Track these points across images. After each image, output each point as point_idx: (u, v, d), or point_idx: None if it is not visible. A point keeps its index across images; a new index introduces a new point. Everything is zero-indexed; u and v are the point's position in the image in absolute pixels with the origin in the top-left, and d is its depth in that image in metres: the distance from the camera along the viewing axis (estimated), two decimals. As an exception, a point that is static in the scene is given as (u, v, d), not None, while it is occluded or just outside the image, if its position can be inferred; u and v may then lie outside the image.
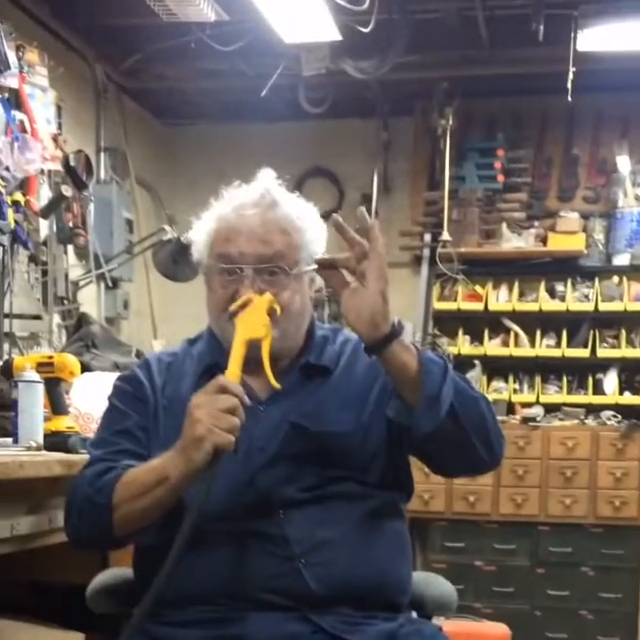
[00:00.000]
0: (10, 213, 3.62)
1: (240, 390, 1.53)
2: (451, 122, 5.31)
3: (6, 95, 3.68)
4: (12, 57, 3.64)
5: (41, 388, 2.39)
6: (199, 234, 1.76)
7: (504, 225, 5.43)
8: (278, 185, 1.74)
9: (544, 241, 5.44)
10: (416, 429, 1.59)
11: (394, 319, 1.60)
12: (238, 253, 1.69)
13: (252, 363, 1.70)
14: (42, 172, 3.94)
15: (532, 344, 5.36)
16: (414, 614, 1.84)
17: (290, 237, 1.71)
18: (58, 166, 4.07)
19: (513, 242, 5.41)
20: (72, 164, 4.20)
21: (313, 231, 1.75)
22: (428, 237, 5.55)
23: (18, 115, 3.74)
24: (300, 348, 1.78)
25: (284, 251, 1.70)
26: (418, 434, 1.59)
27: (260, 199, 1.71)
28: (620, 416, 5.12)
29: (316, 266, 1.66)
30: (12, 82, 3.68)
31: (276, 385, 1.62)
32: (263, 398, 1.72)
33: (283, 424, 1.69)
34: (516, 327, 5.40)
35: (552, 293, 5.41)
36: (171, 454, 1.56)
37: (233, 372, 1.57)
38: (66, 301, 4.52)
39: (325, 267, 1.61)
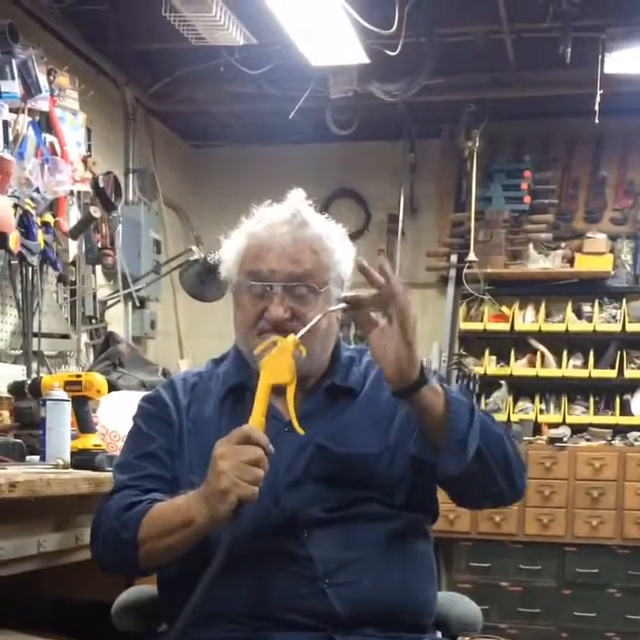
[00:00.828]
0: (39, 234, 3.66)
1: (265, 440, 1.52)
2: (477, 144, 5.33)
3: (37, 118, 3.72)
4: (43, 81, 3.69)
5: (68, 406, 2.41)
6: (228, 252, 1.77)
7: (531, 246, 5.43)
8: (308, 205, 1.75)
9: (571, 262, 5.43)
10: (441, 470, 1.59)
11: (422, 361, 1.58)
12: (268, 271, 1.69)
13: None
14: (71, 193, 3.97)
15: (559, 364, 5.35)
16: (439, 634, 1.84)
17: (319, 257, 1.71)
18: (87, 188, 4.11)
19: (540, 263, 5.40)
20: (101, 185, 4.24)
21: (341, 252, 1.75)
22: (454, 258, 5.56)
23: (48, 137, 3.78)
24: (326, 369, 1.78)
25: (314, 270, 1.70)
26: (443, 474, 1.59)
27: (290, 218, 1.72)
28: (647, 437, 5.10)
29: (343, 298, 1.63)
30: (43, 105, 3.73)
31: (301, 431, 1.59)
32: (288, 419, 1.70)
33: (308, 445, 1.69)
34: (542, 347, 5.38)
35: (579, 314, 5.39)
36: (195, 499, 1.56)
37: (257, 420, 1.55)
38: (94, 321, 4.56)
39: (352, 304, 1.60)
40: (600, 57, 4.49)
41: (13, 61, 3.52)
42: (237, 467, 1.49)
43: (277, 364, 1.57)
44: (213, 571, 1.51)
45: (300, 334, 1.60)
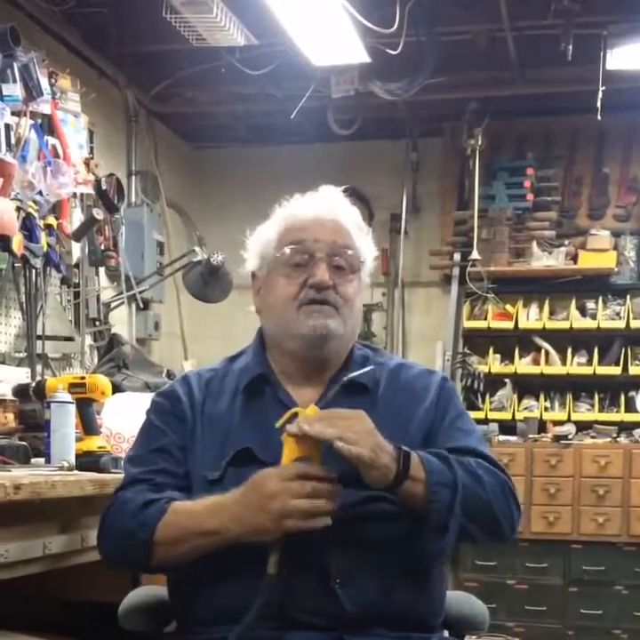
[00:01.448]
0: (43, 237, 3.66)
1: (318, 472, 1.54)
2: (480, 142, 5.33)
3: (39, 121, 3.73)
4: (44, 83, 3.69)
5: (73, 408, 2.41)
6: (259, 240, 1.80)
7: (534, 243, 5.42)
8: (344, 199, 1.80)
9: (574, 259, 5.43)
10: (424, 541, 1.64)
11: (398, 451, 1.58)
12: (313, 239, 1.73)
13: (296, 378, 1.75)
14: (74, 195, 3.98)
15: (564, 362, 5.34)
16: (446, 633, 1.84)
17: (354, 238, 1.77)
18: (90, 190, 4.11)
19: (543, 260, 5.40)
20: (104, 187, 4.25)
21: (371, 246, 1.82)
22: (457, 256, 5.56)
23: (50, 140, 3.78)
24: (342, 364, 1.79)
25: (352, 246, 1.76)
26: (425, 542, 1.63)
27: (326, 199, 1.78)
28: (652, 433, 5.09)
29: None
30: (44, 108, 3.74)
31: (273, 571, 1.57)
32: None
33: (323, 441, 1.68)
34: (546, 345, 5.38)
35: (583, 311, 5.39)
36: (221, 515, 1.57)
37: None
38: (97, 323, 4.56)
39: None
40: (602, 54, 4.49)
41: (15, 64, 3.52)
42: (287, 507, 1.51)
43: (300, 438, 1.55)
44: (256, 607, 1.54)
45: (320, 405, 1.61)
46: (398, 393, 1.77)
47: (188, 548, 1.62)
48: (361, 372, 1.71)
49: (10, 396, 2.98)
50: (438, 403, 1.77)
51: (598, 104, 4.59)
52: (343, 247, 1.74)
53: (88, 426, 2.51)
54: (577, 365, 5.33)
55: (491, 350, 5.46)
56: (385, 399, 1.76)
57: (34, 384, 2.73)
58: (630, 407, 5.24)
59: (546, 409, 5.36)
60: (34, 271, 3.81)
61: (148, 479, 1.72)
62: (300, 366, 1.76)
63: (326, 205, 1.76)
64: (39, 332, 3.89)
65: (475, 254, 5.36)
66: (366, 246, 1.80)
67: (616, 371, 5.25)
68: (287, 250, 1.73)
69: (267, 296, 1.77)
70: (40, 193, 3.63)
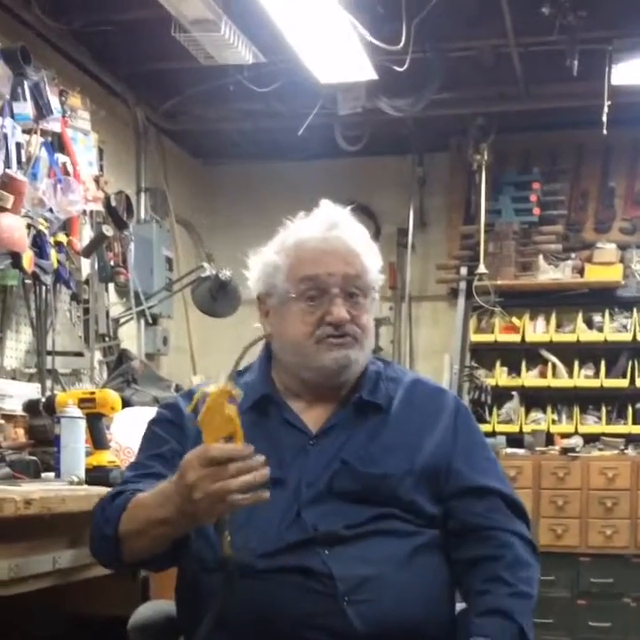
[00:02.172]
0: (53, 253, 3.70)
1: (229, 451, 1.47)
2: (486, 157, 5.36)
3: (50, 139, 3.77)
4: (55, 102, 3.74)
5: (83, 423, 2.43)
6: (265, 265, 1.74)
7: (540, 257, 5.44)
8: (344, 212, 1.77)
9: (581, 272, 5.44)
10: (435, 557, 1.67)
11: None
12: (326, 274, 1.68)
13: (305, 397, 1.75)
14: (84, 212, 4.02)
15: (571, 375, 5.36)
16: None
17: (365, 260, 1.73)
18: (99, 207, 4.15)
19: (550, 274, 5.42)
20: (113, 204, 4.29)
21: (377, 262, 1.78)
22: (464, 270, 5.58)
23: (61, 157, 3.82)
24: (354, 383, 1.77)
25: (363, 273, 1.72)
26: None
27: (332, 224, 1.72)
28: (660, 446, 5.10)
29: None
30: (55, 126, 3.78)
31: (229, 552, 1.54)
32: (314, 433, 1.72)
33: (333, 461, 1.68)
34: (553, 358, 5.39)
35: (590, 324, 5.40)
36: (167, 503, 1.54)
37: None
38: (107, 338, 4.59)
39: None
40: (607, 69, 4.53)
41: (26, 83, 3.58)
42: (212, 492, 1.46)
43: (213, 419, 1.48)
44: (216, 603, 1.55)
45: (226, 380, 1.51)
46: (412, 411, 1.76)
47: (149, 539, 1.61)
48: (370, 397, 1.73)
49: (20, 412, 3.01)
50: (456, 429, 1.76)
51: (604, 118, 4.62)
52: (356, 276, 1.70)
53: (98, 440, 2.53)
54: (584, 378, 5.34)
55: (498, 363, 5.48)
56: (398, 417, 1.75)
57: (44, 399, 2.76)
58: (638, 419, 5.25)
59: (553, 421, 5.37)
60: (44, 287, 3.85)
61: (137, 481, 1.71)
62: (313, 390, 1.75)
63: (335, 231, 1.71)
64: (49, 348, 3.92)
65: (481, 268, 5.38)
66: (375, 263, 1.76)
67: (623, 383, 5.25)
68: (301, 286, 1.69)
69: (280, 326, 1.73)
70: (50, 210, 3.67)
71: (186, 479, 1.48)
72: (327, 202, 1.78)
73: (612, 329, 5.33)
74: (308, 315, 1.69)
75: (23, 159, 3.52)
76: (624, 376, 5.27)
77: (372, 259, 1.75)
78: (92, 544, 1.74)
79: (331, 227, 1.72)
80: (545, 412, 5.41)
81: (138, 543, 1.63)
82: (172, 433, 1.78)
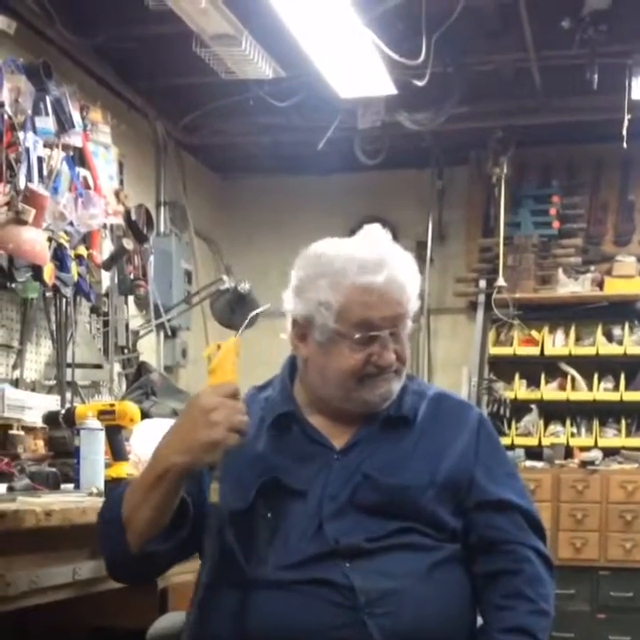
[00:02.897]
0: (73, 266, 3.73)
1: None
2: (505, 170, 5.35)
3: (71, 153, 3.80)
4: (76, 116, 3.77)
5: (102, 435, 2.45)
6: (308, 292, 1.71)
7: (560, 270, 5.43)
8: (388, 238, 1.75)
9: (600, 285, 5.43)
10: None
11: None
12: (380, 319, 1.69)
13: (327, 413, 1.75)
14: (104, 226, 4.04)
15: (590, 388, 5.33)
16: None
17: (411, 294, 1.73)
18: (120, 220, 4.17)
19: (569, 287, 5.40)
20: (133, 217, 4.32)
21: (418, 285, 1.77)
22: (483, 283, 5.58)
23: (82, 171, 3.85)
24: None
25: (409, 309, 1.73)
26: None
27: (385, 260, 1.69)
28: (680, 460, 5.07)
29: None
30: (76, 140, 3.81)
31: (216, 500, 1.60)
32: (338, 448, 1.73)
33: (356, 474, 1.69)
34: (573, 371, 5.37)
35: (609, 337, 5.38)
36: (166, 450, 1.57)
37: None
38: (126, 350, 4.61)
39: None
40: (627, 82, 4.52)
41: (47, 98, 3.61)
42: (231, 419, 1.51)
43: (225, 366, 1.60)
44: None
45: (239, 334, 1.67)
46: (435, 424, 1.77)
47: (149, 507, 1.59)
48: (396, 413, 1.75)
49: (40, 424, 3.03)
50: (478, 444, 1.77)
51: (623, 132, 4.61)
52: (403, 316, 1.72)
53: (117, 452, 2.54)
54: (603, 391, 5.32)
55: (516, 376, 5.46)
56: (421, 430, 1.76)
57: (64, 411, 2.77)
58: (658, 433, 5.22)
59: (572, 434, 5.34)
60: (64, 300, 3.88)
61: None
62: (341, 412, 1.75)
63: (388, 271, 1.68)
64: (69, 360, 3.95)
65: (500, 281, 5.38)
66: (416, 285, 1.75)
67: (643, 397, 5.23)
68: (353, 330, 1.68)
69: (322, 358, 1.72)
70: (71, 224, 3.70)
71: (203, 401, 1.53)
72: (375, 227, 1.76)
73: (632, 342, 5.31)
74: (355, 354, 1.70)
75: (45, 173, 3.55)
76: (644, 389, 5.24)
77: (416, 288, 1.75)
78: (100, 543, 1.72)
79: (381, 263, 1.69)
80: (564, 425, 5.38)
81: (140, 516, 1.60)
82: None
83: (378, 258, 1.69)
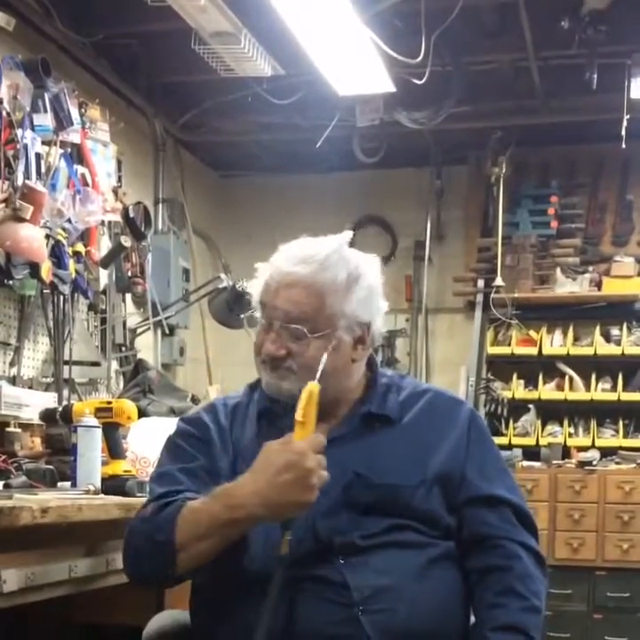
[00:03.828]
0: (71, 264, 3.72)
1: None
2: (504, 170, 5.36)
3: (69, 150, 3.79)
4: (74, 113, 3.76)
5: (99, 432, 2.44)
6: (258, 277, 1.79)
7: (558, 270, 5.43)
8: (343, 247, 1.75)
9: (599, 286, 5.43)
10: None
11: None
12: (271, 306, 1.72)
13: None
14: (102, 223, 4.03)
15: (588, 388, 5.34)
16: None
17: (326, 302, 1.70)
18: (117, 218, 4.16)
19: (567, 287, 5.41)
20: (131, 215, 4.30)
21: (366, 296, 1.74)
22: (481, 283, 5.58)
23: (80, 169, 3.84)
24: (362, 396, 1.79)
25: (313, 314, 1.70)
26: None
27: (309, 257, 1.71)
28: (677, 460, 5.07)
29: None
30: (74, 137, 3.80)
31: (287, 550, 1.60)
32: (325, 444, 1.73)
33: (346, 472, 1.69)
34: (570, 371, 5.38)
35: (607, 337, 5.39)
36: (252, 497, 1.56)
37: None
38: (123, 348, 4.60)
39: None
40: (626, 82, 4.53)
41: (46, 95, 3.60)
42: (323, 480, 1.54)
43: (312, 413, 1.61)
44: (274, 589, 1.56)
45: (317, 379, 1.64)
46: (426, 421, 1.77)
47: (215, 542, 1.60)
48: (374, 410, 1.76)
49: (37, 421, 3.03)
50: (469, 439, 1.77)
51: (622, 132, 4.61)
52: (297, 318, 1.70)
53: (114, 450, 2.54)
54: (601, 391, 5.32)
55: (514, 376, 5.46)
56: (412, 427, 1.76)
57: (61, 408, 2.77)
58: (655, 434, 5.22)
59: (570, 435, 5.34)
60: (62, 297, 3.87)
61: (173, 495, 1.70)
62: None
63: (300, 266, 1.71)
64: (66, 358, 3.94)
65: (499, 281, 5.38)
66: (352, 302, 1.72)
67: (641, 397, 5.23)
68: (257, 311, 1.77)
69: None
70: (69, 220, 3.69)
71: (306, 464, 1.53)
72: (344, 234, 1.77)
73: (630, 342, 5.31)
74: (259, 335, 1.75)
75: (43, 170, 3.54)
76: (641, 390, 5.24)
77: (341, 299, 1.71)
78: (137, 555, 1.70)
79: (303, 260, 1.71)
80: (562, 425, 5.38)
81: (200, 547, 1.61)
82: (200, 449, 1.78)
83: (303, 251, 1.73)
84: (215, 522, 1.58)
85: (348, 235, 1.78)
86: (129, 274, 4.45)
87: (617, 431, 5.29)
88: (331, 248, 1.73)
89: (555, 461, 5.18)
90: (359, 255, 1.77)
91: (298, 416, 1.59)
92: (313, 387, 1.61)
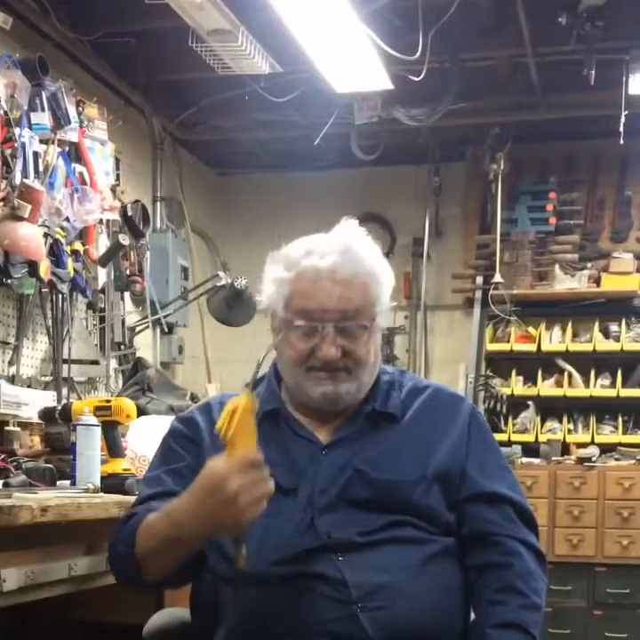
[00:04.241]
0: (69, 262, 3.73)
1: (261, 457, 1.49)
2: (502, 166, 5.35)
3: (67, 148, 3.80)
4: (72, 112, 3.77)
5: (98, 431, 2.44)
6: (272, 282, 1.71)
7: (557, 267, 5.43)
8: (359, 235, 1.72)
9: (597, 282, 5.43)
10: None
11: None
12: (320, 310, 1.66)
13: (309, 410, 1.74)
14: (100, 221, 4.03)
15: (587, 384, 5.34)
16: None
17: (369, 292, 1.68)
18: (116, 216, 4.17)
19: (566, 283, 5.41)
20: (129, 213, 4.31)
21: (388, 281, 1.73)
22: (480, 280, 5.58)
23: (78, 167, 3.85)
24: (366, 395, 1.77)
25: (364, 306, 1.68)
26: None
27: (341, 253, 1.66)
28: (677, 456, 5.08)
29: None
30: (72, 136, 3.81)
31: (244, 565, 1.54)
32: (325, 443, 1.72)
33: (346, 469, 1.68)
34: (569, 367, 5.38)
35: (606, 334, 5.39)
36: (189, 525, 1.53)
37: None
38: (122, 347, 4.61)
39: None
40: (624, 78, 4.53)
41: (43, 93, 3.61)
42: (255, 496, 1.47)
43: (245, 431, 1.50)
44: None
45: (249, 388, 1.53)
46: (426, 418, 1.76)
47: (168, 557, 1.60)
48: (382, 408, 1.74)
49: (36, 420, 3.03)
50: (470, 436, 1.76)
51: (621, 128, 4.62)
52: (354, 312, 1.67)
53: (113, 448, 2.54)
54: (600, 388, 5.32)
55: (513, 372, 5.46)
56: (412, 424, 1.75)
57: (60, 407, 2.78)
58: (654, 429, 5.23)
59: (569, 431, 5.35)
60: (60, 296, 3.87)
61: (157, 499, 1.69)
62: (314, 411, 1.75)
63: (335, 264, 1.65)
64: (65, 356, 3.94)
65: (497, 277, 5.38)
66: (384, 288, 1.71)
67: (640, 393, 5.23)
68: (296, 318, 1.67)
69: (280, 347, 1.72)
70: (67, 219, 3.70)
71: (227, 489, 1.46)
72: (346, 222, 1.73)
73: (629, 338, 5.31)
74: (300, 343, 1.68)
75: (41, 169, 3.54)
76: (640, 386, 5.25)
77: (378, 286, 1.70)
78: (111, 564, 1.74)
79: (337, 257, 1.66)
80: (561, 421, 5.39)
81: (157, 561, 1.62)
82: (189, 449, 1.77)
83: (330, 246, 1.68)
84: (164, 539, 1.58)
85: (354, 222, 1.74)
86: (127, 272, 4.46)
87: (616, 427, 5.29)
88: (354, 240, 1.70)
89: (554, 458, 5.18)
90: (369, 240, 1.75)
91: (222, 435, 1.49)
92: (242, 400, 1.50)
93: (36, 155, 3.50)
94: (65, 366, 3.94)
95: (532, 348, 5.42)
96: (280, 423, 1.75)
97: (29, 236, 3.36)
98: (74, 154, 3.87)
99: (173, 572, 1.64)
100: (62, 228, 3.68)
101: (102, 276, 4.27)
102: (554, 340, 5.45)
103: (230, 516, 1.48)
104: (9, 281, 3.46)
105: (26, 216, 3.32)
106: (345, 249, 1.67)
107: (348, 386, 1.69)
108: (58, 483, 2.51)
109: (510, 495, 1.74)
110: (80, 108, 3.91)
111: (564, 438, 5.30)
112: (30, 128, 3.50)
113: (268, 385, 1.81)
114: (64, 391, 3.90)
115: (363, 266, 1.68)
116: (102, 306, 4.37)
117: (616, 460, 5.15)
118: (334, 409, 1.72)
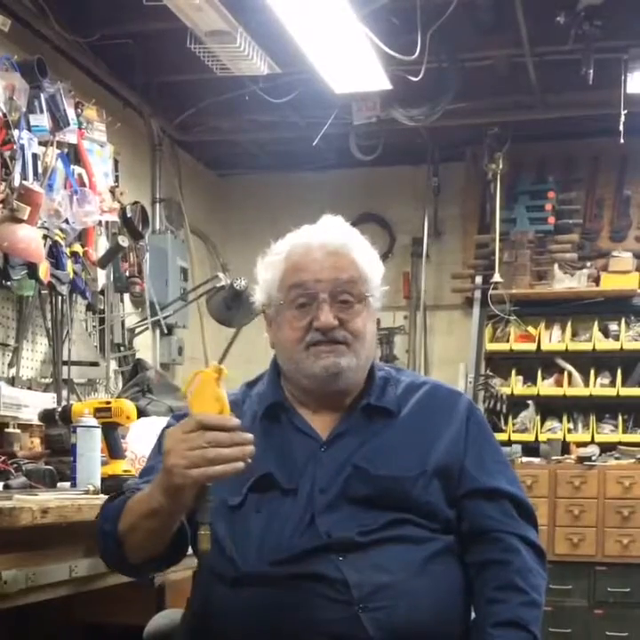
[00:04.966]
0: (69, 264, 3.73)
1: (216, 421, 1.47)
2: (501, 166, 5.36)
3: (66, 150, 3.80)
4: (71, 114, 3.77)
5: (98, 432, 2.44)
6: (264, 274, 1.76)
7: (556, 266, 5.44)
8: (344, 223, 1.77)
9: (597, 281, 5.44)
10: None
11: None
12: (314, 280, 1.69)
13: (310, 405, 1.75)
14: (100, 223, 4.03)
15: (586, 383, 5.34)
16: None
17: (361, 267, 1.72)
18: (115, 218, 4.17)
19: (565, 282, 5.41)
20: (129, 215, 4.31)
21: (377, 267, 1.77)
22: (479, 279, 5.58)
23: (77, 169, 3.85)
24: (361, 389, 1.77)
25: (357, 278, 1.71)
26: None
27: (329, 233, 1.73)
28: (677, 454, 5.08)
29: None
30: (71, 137, 3.81)
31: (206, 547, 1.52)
32: (324, 439, 1.72)
33: (345, 466, 1.68)
34: (569, 367, 5.38)
35: (606, 333, 5.39)
36: (153, 491, 1.54)
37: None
38: (122, 348, 4.61)
39: None
40: (623, 77, 4.53)
41: (42, 95, 3.61)
42: (190, 459, 1.44)
43: (202, 396, 1.50)
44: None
45: (220, 360, 1.56)
46: (425, 414, 1.76)
47: (143, 533, 1.59)
48: (376, 402, 1.73)
49: (36, 421, 3.03)
50: (468, 432, 1.76)
51: (620, 127, 4.62)
52: (347, 282, 1.71)
53: (113, 450, 2.54)
54: (600, 387, 5.33)
55: (513, 372, 5.46)
56: (410, 420, 1.75)
57: (60, 409, 2.77)
58: (654, 428, 5.23)
59: (569, 430, 5.35)
60: (60, 298, 3.87)
61: (142, 486, 1.69)
62: (316, 398, 1.75)
63: (325, 239, 1.72)
64: (65, 358, 3.94)
65: (496, 277, 5.38)
66: (375, 271, 1.76)
67: (640, 392, 5.24)
68: (290, 294, 1.71)
69: (277, 334, 1.76)
70: (66, 221, 3.70)
71: (166, 446, 1.48)
72: (330, 216, 1.78)
73: (629, 337, 5.31)
74: (297, 321, 1.70)
75: (39, 170, 3.55)
76: (640, 385, 5.25)
77: (370, 266, 1.74)
78: (98, 545, 1.73)
79: (323, 235, 1.73)
80: (561, 420, 5.39)
81: (134, 539, 1.61)
82: None
83: (320, 227, 1.74)
84: (142, 513, 1.57)
85: (337, 217, 1.78)
86: (127, 274, 4.46)
87: (616, 426, 5.30)
88: (340, 225, 1.76)
89: (554, 457, 5.18)
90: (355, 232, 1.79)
91: (189, 398, 1.51)
92: (211, 370, 1.51)
93: (34, 157, 3.50)
94: (65, 368, 3.94)
95: (532, 347, 5.42)
96: (281, 418, 1.75)
97: (29, 238, 3.36)
98: (73, 155, 3.87)
99: (155, 552, 1.62)
100: (61, 230, 3.68)
101: (102, 277, 4.27)
102: (553, 339, 5.45)
103: (166, 474, 1.47)
104: (8, 283, 3.46)
105: (25, 218, 3.32)
106: (334, 227, 1.74)
107: (347, 359, 1.70)
108: (58, 484, 2.52)
109: (509, 490, 1.74)
110: (79, 110, 3.91)
111: (564, 437, 5.31)
112: (29, 130, 3.50)
113: (270, 380, 1.81)
114: (64, 393, 3.90)
115: (352, 241, 1.74)
116: (102, 307, 4.37)
117: (616, 459, 5.15)
118: (336, 387, 1.71)
